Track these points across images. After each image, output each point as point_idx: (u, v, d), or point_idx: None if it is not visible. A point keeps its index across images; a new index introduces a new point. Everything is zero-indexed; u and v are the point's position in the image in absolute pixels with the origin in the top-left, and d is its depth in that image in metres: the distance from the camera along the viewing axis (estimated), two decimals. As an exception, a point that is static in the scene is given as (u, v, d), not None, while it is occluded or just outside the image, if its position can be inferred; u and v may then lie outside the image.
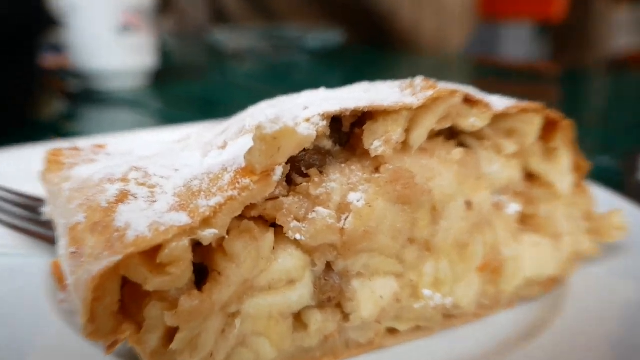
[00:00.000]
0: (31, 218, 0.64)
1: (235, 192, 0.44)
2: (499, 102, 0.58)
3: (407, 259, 0.53)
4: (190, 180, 0.48)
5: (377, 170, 0.52)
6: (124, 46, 1.51)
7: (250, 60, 2.10)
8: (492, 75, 2.00)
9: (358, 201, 0.50)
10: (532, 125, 0.59)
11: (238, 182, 0.45)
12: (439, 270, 0.55)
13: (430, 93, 0.52)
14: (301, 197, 0.49)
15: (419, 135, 0.53)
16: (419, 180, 0.52)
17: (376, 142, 0.50)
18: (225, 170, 0.47)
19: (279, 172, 0.46)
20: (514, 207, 0.60)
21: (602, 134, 1.33)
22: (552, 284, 0.62)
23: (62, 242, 0.49)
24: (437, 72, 2.09)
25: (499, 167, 0.59)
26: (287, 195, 0.49)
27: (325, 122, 0.48)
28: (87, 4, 1.47)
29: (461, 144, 0.58)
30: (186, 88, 1.69)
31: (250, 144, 0.48)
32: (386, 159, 0.51)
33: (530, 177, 0.62)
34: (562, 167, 0.61)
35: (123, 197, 0.47)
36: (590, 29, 2.73)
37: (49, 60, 1.64)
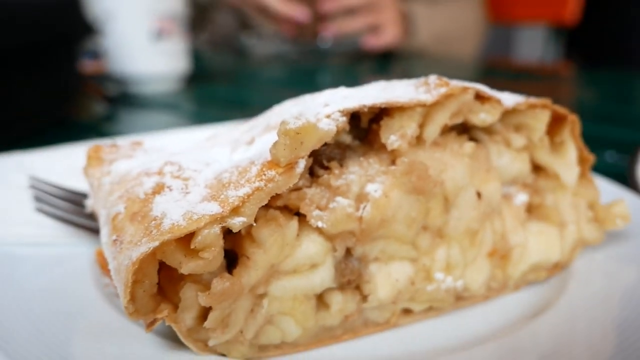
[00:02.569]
0: (76, 210, 0.65)
1: (262, 184, 0.46)
2: (509, 99, 0.58)
3: (420, 245, 0.54)
4: (220, 173, 0.50)
5: (393, 162, 0.52)
6: (159, 52, 1.53)
7: (277, 65, 2.11)
8: (505, 77, 1.99)
9: (375, 192, 0.51)
10: (540, 120, 0.59)
11: (264, 174, 0.46)
12: (451, 256, 0.55)
13: (443, 90, 0.53)
14: (323, 187, 0.50)
15: (433, 130, 0.53)
16: (432, 172, 0.53)
17: (392, 136, 0.51)
18: (253, 164, 0.48)
19: (302, 164, 0.47)
20: (521, 197, 0.61)
21: (614, 131, 1.32)
22: (556, 269, 0.62)
23: (104, 231, 0.50)
24: (451, 74, 2.08)
25: (508, 160, 0.59)
26: (310, 187, 0.50)
27: (344, 118, 0.49)
28: (122, 12, 1.49)
29: (472, 138, 0.58)
30: (216, 91, 1.71)
31: (276, 138, 0.49)
32: (402, 152, 0.52)
33: (538, 168, 0.62)
34: (568, 160, 0.61)
35: (159, 188, 0.49)
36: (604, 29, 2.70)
37: (87, 65, 1.67)
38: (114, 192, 0.52)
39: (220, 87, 1.76)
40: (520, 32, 3.19)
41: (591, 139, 1.28)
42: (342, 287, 0.52)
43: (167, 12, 1.51)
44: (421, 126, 0.53)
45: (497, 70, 2.17)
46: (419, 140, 0.53)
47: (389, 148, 0.51)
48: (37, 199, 0.66)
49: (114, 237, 0.47)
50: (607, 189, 0.71)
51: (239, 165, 0.49)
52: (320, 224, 0.49)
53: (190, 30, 1.70)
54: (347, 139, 0.53)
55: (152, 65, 1.54)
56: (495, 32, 2.68)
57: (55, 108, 1.29)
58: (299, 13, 1.99)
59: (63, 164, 0.78)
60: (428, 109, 0.52)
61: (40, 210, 0.64)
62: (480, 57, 2.54)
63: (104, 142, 0.62)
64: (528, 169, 0.61)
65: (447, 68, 2.14)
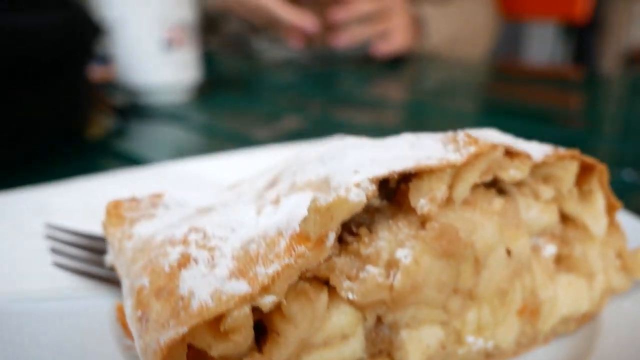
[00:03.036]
0: (95, 260, 0.64)
1: (292, 260, 0.44)
2: (537, 150, 0.57)
3: (451, 308, 0.53)
4: (247, 242, 0.48)
5: (422, 225, 0.51)
6: (169, 62, 1.51)
7: (289, 70, 2.08)
8: (516, 82, 1.96)
9: (405, 257, 0.49)
10: (569, 171, 0.57)
11: (294, 250, 0.45)
12: (481, 317, 0.54)
13: (472, 149, 0.51)
14: (352, 256, 0.49)
15: (462, 190, 0.52)
16: (462, 234, 0.51)
17: (422, 200, 0.50)
18: (281, 235, 0.47)
19: (332, 237, 0.45)
20: (550, 249, 0.59)
21: (631, 144, 1.30)
22: (585, 319, 0.61)
23: (128, 303, 0.49)
24: (462, 79, 2.07)
25: (537, 212, 0.57)
26: (339, 255, 0.49)
27: (374, 186, 0.47)
28: (132, 21, 1.47)
29: (500, 190, 0.57)
30: (228, 99, 1.69)
31: (303, 202, 0.48)
32: (431, 216, 0.50)
33: (565, 218, 0.60)
34: (597, 210, 0.59)
35: (185, 261, 0.47)
36: (612, 22, 2.66)
37: (95, 71, 1.64)
38: (137, 261, 0.50)
39: (232, 95, 1.74)
40: (530, 30, 3.15)
41: (606, 155, 1.27)
42: (373, 356, 0.51)
43: (177, 21, 1.49)
44: (450, 187, 0.51)
45: (507, 75, 2.15)
46: (448, 200, 0.52)
47: (419, 212, 0.50)
48: (54, 251, 0.64)
49: (139, 314, 0.46)
50: (631, 226, 0.69)
51: (266, 234, 0.48)
52: (350, 296, 0.48)
53: (201, 35, 1.68)
54: (375, 201, 0.51)
55: (162, 75, 1.52)
56: (505, 30, 2.64)
57: (65, 123, 1.27)
58: (309, 23, 1.96)
59: (80, 201, 0.76)
60: (457, 169, 0.51)
61: (57, 265, 0.63)
62: (491, 57, 2.51)
63: (123, 198, 0.60)
64: (557, 220, 0.59)
65: (458, 72, 2.11)
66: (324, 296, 0.47)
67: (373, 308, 0.49)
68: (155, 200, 0.60)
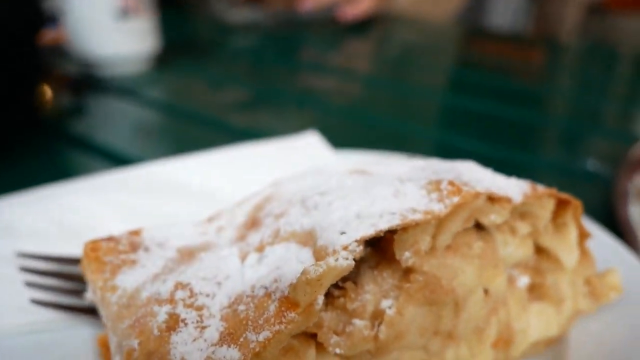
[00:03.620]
0: (73, 290, 0.63)
1: (282, 327, 0.45)
2: (515, 187, 0.58)
3: (431, 348, 0.54)
4: (235, 300, 0.48)
5: (405, 273, 0.52)
6: (124, 31, 1.45)
7: (253, 35, 2.02)
8: (481, 42, 1.97)
9: (390, 308, 0.50)
10: (546, 209, 0.59)
11: (284, 316, 0.45)
12: (459, 354, 0.56)
13: (456, 200, 0.52)
14: (339, 311, 0.50)
15: (445, 239, 0.53)
16: (444, 282, 0.52)
17: (406, 253, 0.51)
18: (269, 298, 0.47)
19: (320, 300, 0.46)
20: (524, 280, 0.61)
21: (596, 129, 1.33)
22: (553, 341, 0.64)
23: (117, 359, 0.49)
24: (428, 39, 2.05)
25: (513, 248, 0.59)
26: (326, 310, 0.49)
27: (361, 247, 0.48)
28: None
29: (478, 226, 0.58)
30: (189, 70, 1.64)
31: (288, 257, 0.48)
32: (415, 267, 0.51)
33: (539, 249, 0.62)
34: (569, 243, 0.61)
35: (174, 323, 0.47)
36: None
37: (45, 35, 1.56)
38: (123, 319, 0.50)
39: (193, 65, 1.68)
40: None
41: (569, 141, 1.30)
42: (357, 399, 0.53)
43: (132, -12, 1.42)
44: (434, 236, 0.52)
45: (473, 37, 2.15)
46: (431, 249, 0.53)
47: (403, 265, 0.51)
48: (30, 285, 0.63)
49: (131, 377, 0.46)
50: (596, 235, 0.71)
51: (254, 294, 0.48)
52: (338, 350, 0.49)
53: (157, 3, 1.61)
54: (360, 253, 0.52)
55: (118, 46, 1.46)
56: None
57: (16, 104, 1.22)
58: None
59: (49, 218, 0.74)
60: (441, 220, 0.52)
61: (35, 302, 0.61)
62: (457, 20, 2.51)
63: (100, 239, 0.59)
64: (532, 253, 0.61)
65: (426, 34, 2.10)
66: (311, 352, 0.48)
67: (359, 357, 0.51)
68: (134, 239, 0.59)
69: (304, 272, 0.44)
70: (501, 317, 0.59)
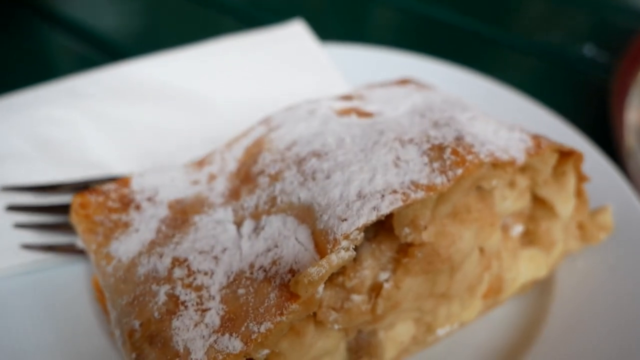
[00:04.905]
0: (63, 225, 0.62)
1: (284, 318, 0.45)
2: (516, 142, 0.56)
3: (425, 308, 0.56)
4: (233, 280, 0.48)
5: (403, 246, 0.52)
6: None
7: None
8: None
9: (387, 282, 0.51)
10: (548, 163, 0.57)
11: (285, 307, 0.45)
12: (451, 309, 0.58)
13: (460, 171, 0.50)
14: (337, 289, 0.50)
15: (445, 209, 0.52)
16: (442, 251, 0.52)
17: (406, 229, 0.50)
18: (269, 283, 0.47)
19: (320, 289, 0.46)
20: (518, 229, 0.62)
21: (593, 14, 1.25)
22: (539, 280, 0.66)
23: (118, 333, 0.50)
24: None
25: (511, 201, 0.58)
26: (325, 288, 0.50)
27: (362, 234, 0.47)
28: None
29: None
30: None
31: (285, 234, 0.48)
32: (415, 242, 0.51)
33: (535, 198, 0.62)
34: (567, 193, 0.60)
35: (173, 306, 0.47)
36: None
37: None
38: (122, 294, 0.49)
39: None
40: None
41: (567, 26, 1.23)
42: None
43: None
44: (434, 206, 0.51)
45: None
46: (430, 219, 0.52)
47: (402, 241, 0.50)
48: (19, 226, 0.62)
49: (134, 356, 0.47)
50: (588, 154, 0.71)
51: (252, 275, 0.48)
52: (336, 326, 0.50)
53: None
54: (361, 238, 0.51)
55: None
56: None
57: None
58: None
59: (23, 132, 0.71)
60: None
61: (27, 247, 0.60)
62: None
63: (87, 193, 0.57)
64: (528, 204, 0.61)
65: None
66: (311, 329, 0.50)
67: (356, 327, 0.52)
68: (123, 191, 0.57)
69: (305, 274, 0.44)
70: (493, 271, 0.60)
